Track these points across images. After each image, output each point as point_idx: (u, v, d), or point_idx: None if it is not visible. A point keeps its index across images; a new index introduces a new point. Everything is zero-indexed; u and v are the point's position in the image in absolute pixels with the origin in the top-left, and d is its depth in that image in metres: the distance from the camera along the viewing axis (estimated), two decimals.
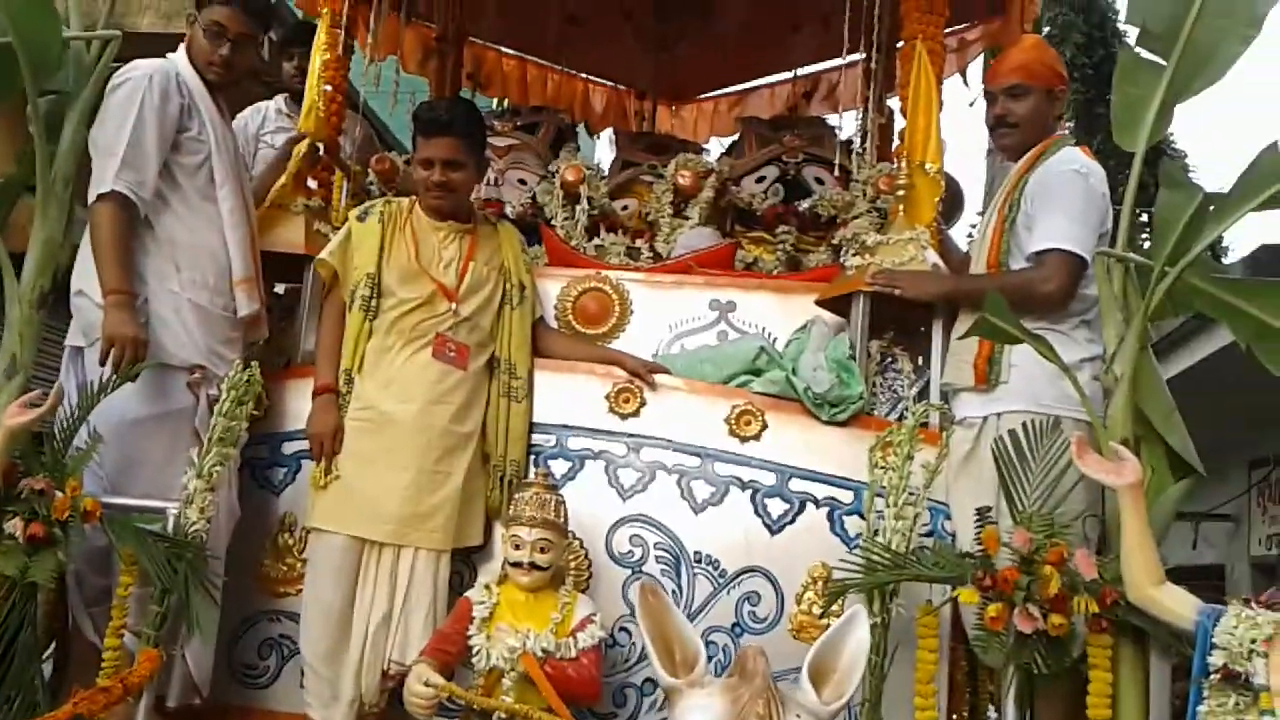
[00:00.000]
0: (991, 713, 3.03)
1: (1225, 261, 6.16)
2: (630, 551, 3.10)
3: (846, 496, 3.06)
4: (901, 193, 3.40)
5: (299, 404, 3.23)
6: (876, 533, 2.72)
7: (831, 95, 5.61)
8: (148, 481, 2.91)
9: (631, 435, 3.18)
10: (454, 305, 3.17)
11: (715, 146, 5.67)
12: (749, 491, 3.09)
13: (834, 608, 2.76)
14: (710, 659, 2.70)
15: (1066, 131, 3.25)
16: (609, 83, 6.17)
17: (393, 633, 2.96)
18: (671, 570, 3.07)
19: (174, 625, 2.77)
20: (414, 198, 3.34)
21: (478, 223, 3.35)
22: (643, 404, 3.20)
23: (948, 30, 3.89)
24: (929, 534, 2.92)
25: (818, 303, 3.37)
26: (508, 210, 3.97)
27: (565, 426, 3.21)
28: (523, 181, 4.24)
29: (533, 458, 3.19)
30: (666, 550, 3.09)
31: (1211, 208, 2.79)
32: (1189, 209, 2.81)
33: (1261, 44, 2.93)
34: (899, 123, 3.80)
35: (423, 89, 5.00)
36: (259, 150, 4.25)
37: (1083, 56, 10.19)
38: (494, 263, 3.29)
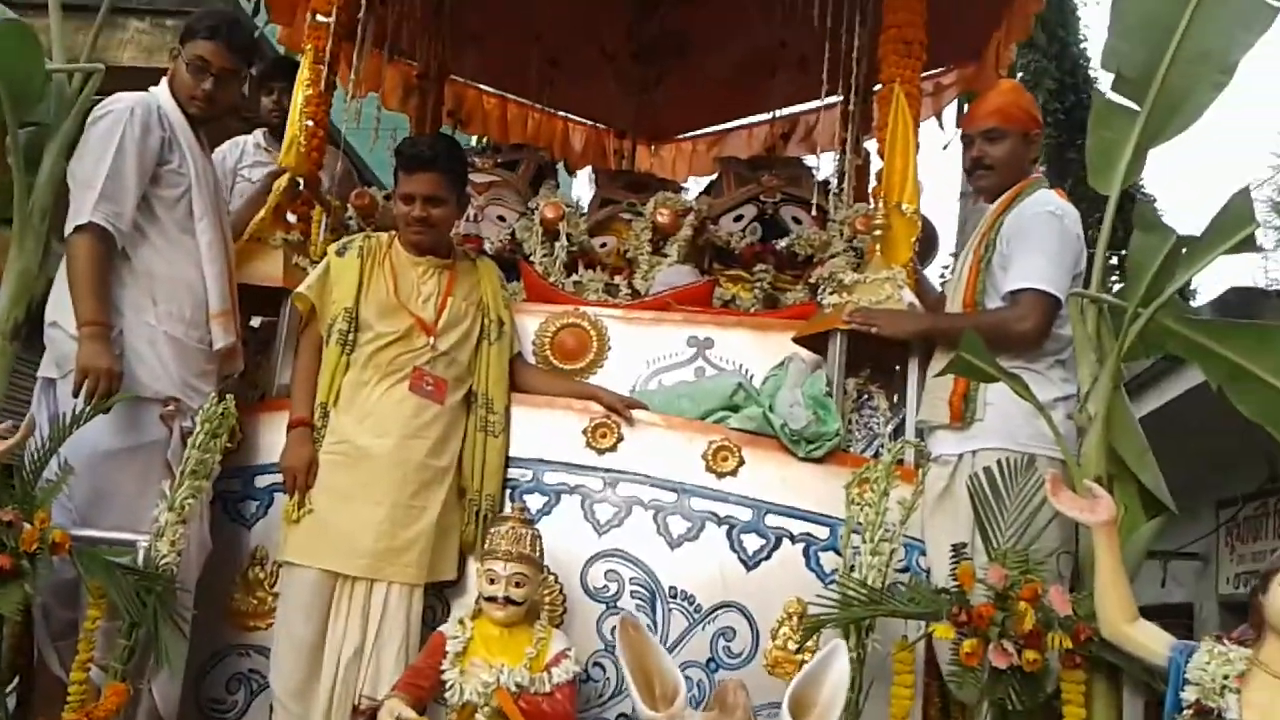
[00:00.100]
0: None
1: (1194, 304, 6.22)
2: (605, 586, 3.08)
3: (822, 532, 3.06)
4: (879, 232, 3.44)
5: (273, 437, 3.21)
6: (853, 568, 2.72)
7: (809, 137, 5.70)
8: (118, 514, 2.88)
9: (608, 470, 3.17)
10: (432, 340, 3.17)
11: (693, 186, 5.72)
12: (725, 527, 3.09)
13: (809, 643, 2.75)
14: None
15: (1041, 174, 3.29)
16: (589, 122, 6.23)
17: (364, 667, 2.93)
18: (647, 605, 3.05)
19: (141, 659, 2.74)
20: (393, 233, 3.35)
21: (457, 258, 3.36)
22: (620, 439, 3.20)
23: (924, 75, 3.94)
24: (904, 570, 2.92)
25: (795, 340, 3.40)
26: (487, 246, 3.99)
27: (542, 461, 3.21)
28: (502, 218, 4.26)
29: (509, 492, 3.18)
30: (642, 585, 3.07)
31: (1184, 250, 2.83)
32: (1162, 251, 2.84)
33: (1230, 90, 3.00)
34: (875, 164, 3.85)
35: (403, 126, 5.03)
36: (236, 184, 4.25)
37: (1055, 102, 10.37)
38: (473, 298, 3.30)
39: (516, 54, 5.33)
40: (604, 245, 4.11)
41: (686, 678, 2.90)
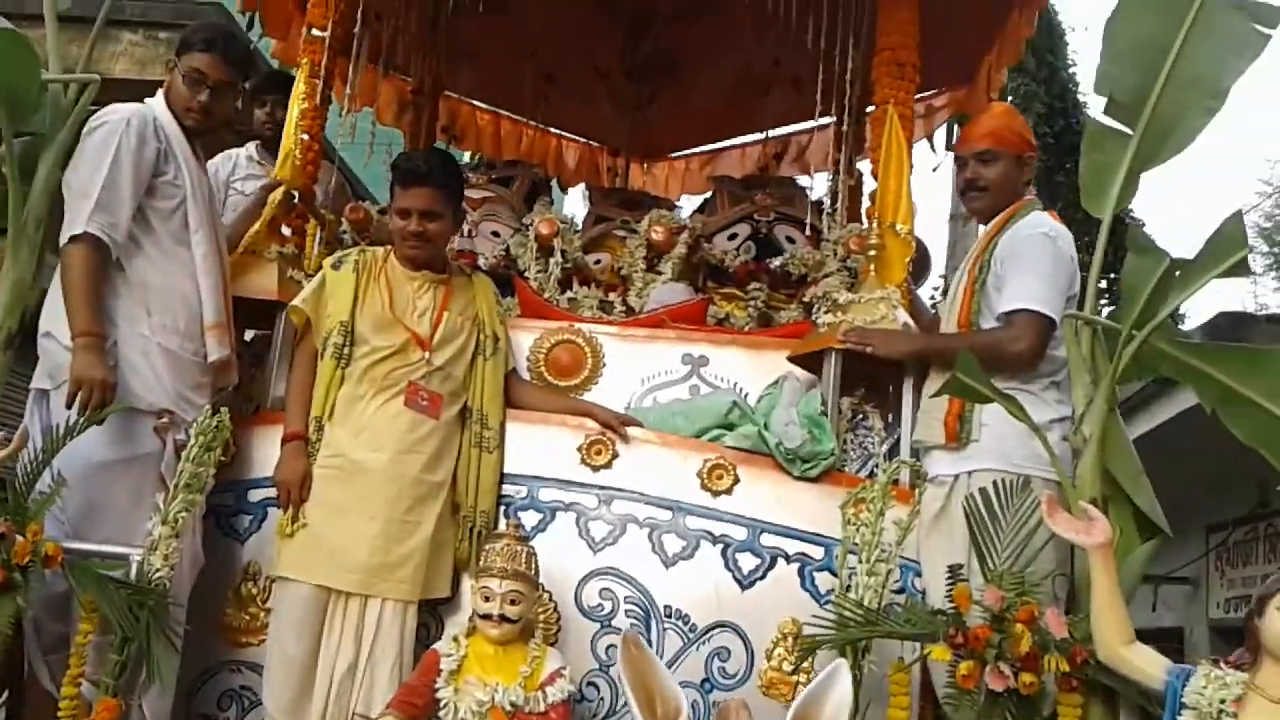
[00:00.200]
0: None
1: (1183, 327, 6.27)
2: (600, 605, 3.07)
3: (817, 552, 3.06)
4: (873, 252, 3.45)
5: (267, 451, 3.20)
6: (849, 589, 2.72)
7: (801, 156, 5.73)
8: (111, 527, 2.86)
9: (603, 488, 3.17)
10: (427, 354, 3.17)
11: (686, 204, 5.74)
12: (720, 546, 3.08)
13: (805, 664, 2.74)
14: None
15: (1035, 196, 3.31)
16: (582, 139, 6.25)
17: (358, 684, 2.91)
18: (641, 624, 3.04)
19: (133, 674, 2.70)
20: (389, 247, 3.34)
21: (453, 273, 3.36)
22: (615, 456, 3.19)
23: (916, 97, 3.96)
24: (899, 591, 2.92)
25: (790, 359, 3.40)
26: (481, 262, 3.99)
27: (536, 478, 3.20)
28: (496, 234, 4.27)
29: (503, 509, 3.17)
30: (636, 604, 3.06)
31: (1177, 273, 2.84)
32: (1155, 273, 2.86)
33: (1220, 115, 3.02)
34: (868, 184, 3.87)
35: (397, 141, 5.03)
36: (229, 197, 4.25)
37: (1044, 126, 10.46)
38: (468, 313, 3.30)
39: (511, 71, 5.35)
40: (598, 262, 4.11)
41: None
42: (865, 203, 3.97)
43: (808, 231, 4.17)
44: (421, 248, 3.23)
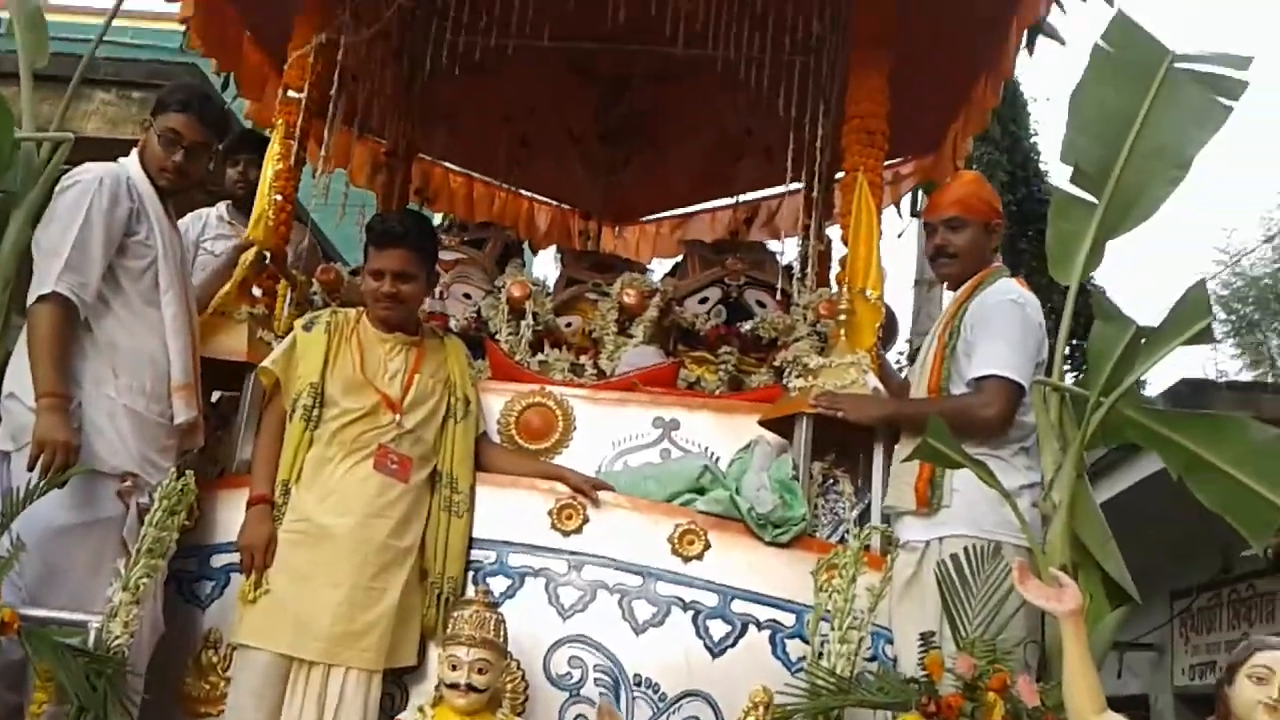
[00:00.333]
0: None
1: (1146, 394, 6.33)
2: (569, 673, 3.03)
3: (788, 619, 3.03)
4: (843, 317, 3.48)
5: (231, 515, 3.15)
6: (820, 656, 2.70)
7: (771, 221, 5.79)
8: (70, 593, 2.80)
9: (573, 553, 3.14)
10: (398, 417, 3.14)
11: (657, 267, 5.77)
12: (691, 612, 3.06)
13: None
14: None
15: (1003, 264, 3.35)
16: (554, 202, 6.29)
17: None
18: (611, 693, 2.99)
19: None
20: (361, 308, 3.33)
21: (425, 335, 3.35)
22: (585, 521, 3.17)
23: (884, 164, 4.03)
24: (872, 658, 2.90)
25: (761, 423, 3.40)
26: (452, 324, 3.99)
27: (506, 543, 3.17)
28: (468, 295, 4.27)
29: (472, 574, 3.13)
30: (606, 672, 3.02)
31: (1143, 341, 2.88)
32: (1121, 341, 2.90)
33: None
34: (838, 250, 3.92)
35: (370, 202, 5.04)
36: (198, 256, 4.23)
37: (1007, 194, 10.62)
38: (440, 375, 3.28)
39: (485, 134, 5.39)
40: (569, 325, 4.12)
41: None
42: (835, 268, 4.01)
43: (778, 296, 4.20)
44: (394, 309, 3.23)
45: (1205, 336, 2.87)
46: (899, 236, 6.34)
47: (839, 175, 4.11)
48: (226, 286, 3.57)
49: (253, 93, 4.88)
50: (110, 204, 3.05)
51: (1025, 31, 4.01)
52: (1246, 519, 2.73)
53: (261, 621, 2.95)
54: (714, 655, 3.03)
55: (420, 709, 2.76)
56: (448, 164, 5.93)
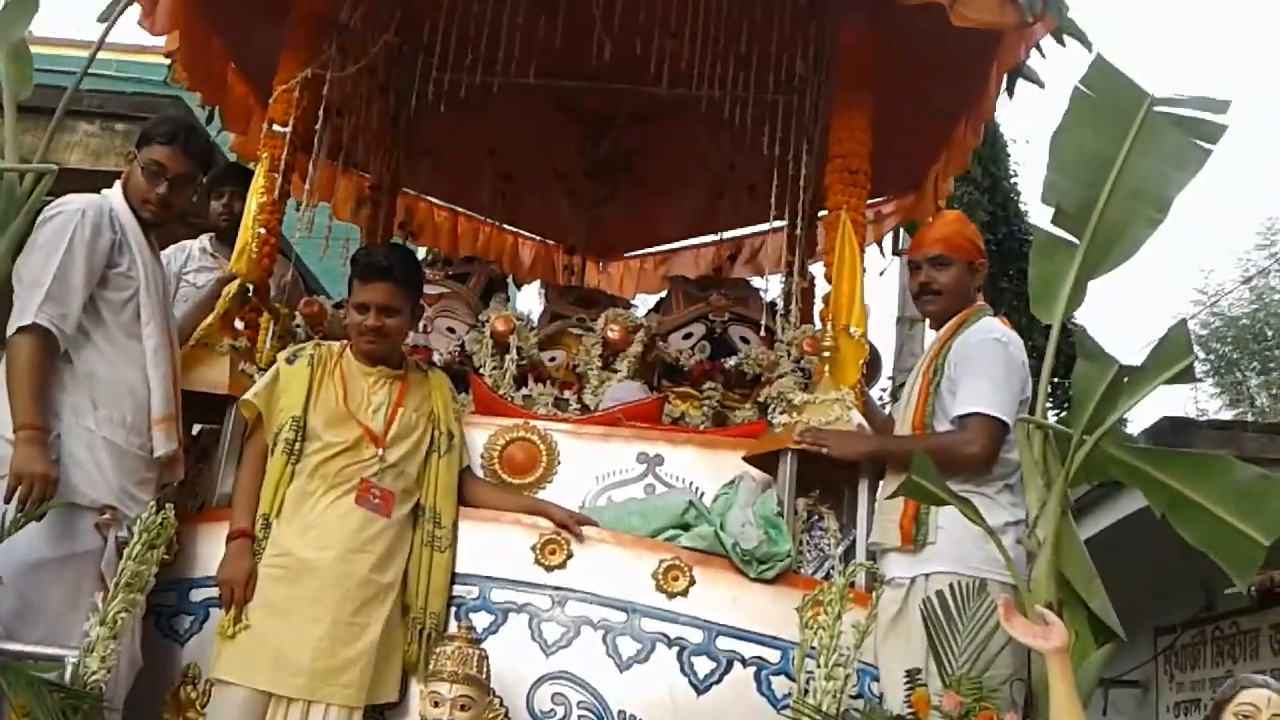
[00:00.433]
0: None
1: (1127, 432, 6.37)
2: (552, 710, 2.99)
3: (774, 656, 3.02)
4: (827, 354, 3.49)
5: (210, 549, 3.11)
6: (806, 693, 2.68)
7: (755, 259, 5.82)
8: (47, 627, 2.76)
9: (557, 588, 3.12)
10: (380, 451, 3.12)
11: (641, 303, 5.78)
12: (676, 649, 3.03)
13: None
14: None
15: (985, 303, 3.37)
16: (539, 237, 6.30)
17: None
18: None
19: None
20: (345, 342, 3.32)
21: (408, 369, 3.34)
22: (569, 556, 3.15)
23: (867, 203, 4.06)
24: (857, 696, 2.88)
25: (745, 459, 3.40)
26: (436, 358, 3.98)
27: (489, 578, 3.14)
28: (451, 330, 4.26)
29: (454, 609, 3.10)
30: (590, 709, 2.99)
31: (1125, 379, 2.90)
32: (1104, 379, 2.92)
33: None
34: (821, 287, 3.94)
35: (354, 236, 5.04)
36: (180, 289, 4.21)
37: (987, 233, 10.70)
38: (423, 409, 3.27)
39: (470, 169, 5.40)
40: (553, 359, 4.12)
41: None
42: (818, 305, 4.03)
43: (762, 332, 4.22)
44: (378, 343, 3.22)
45: (1187, 375, 2.89)
46: (881, 275, 6.38)
47: (822, 213, 4.15)
48: (209, 319, 3.56)
49: (238, 126, 4.88)
50: (92, 235, 3.04)
51: (1005, 75, 4.06)
52: (1230, 556, 2.74)
53: (240, 657, 2.91)
54: (699, 692, 3.00)
55: None
56: (432, 199, 5.94)
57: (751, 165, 4.47)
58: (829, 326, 3.58)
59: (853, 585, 2.87)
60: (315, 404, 3.15)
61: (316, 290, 5.53)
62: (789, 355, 3.89)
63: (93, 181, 3.32)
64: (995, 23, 3.58)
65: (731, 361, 4.09)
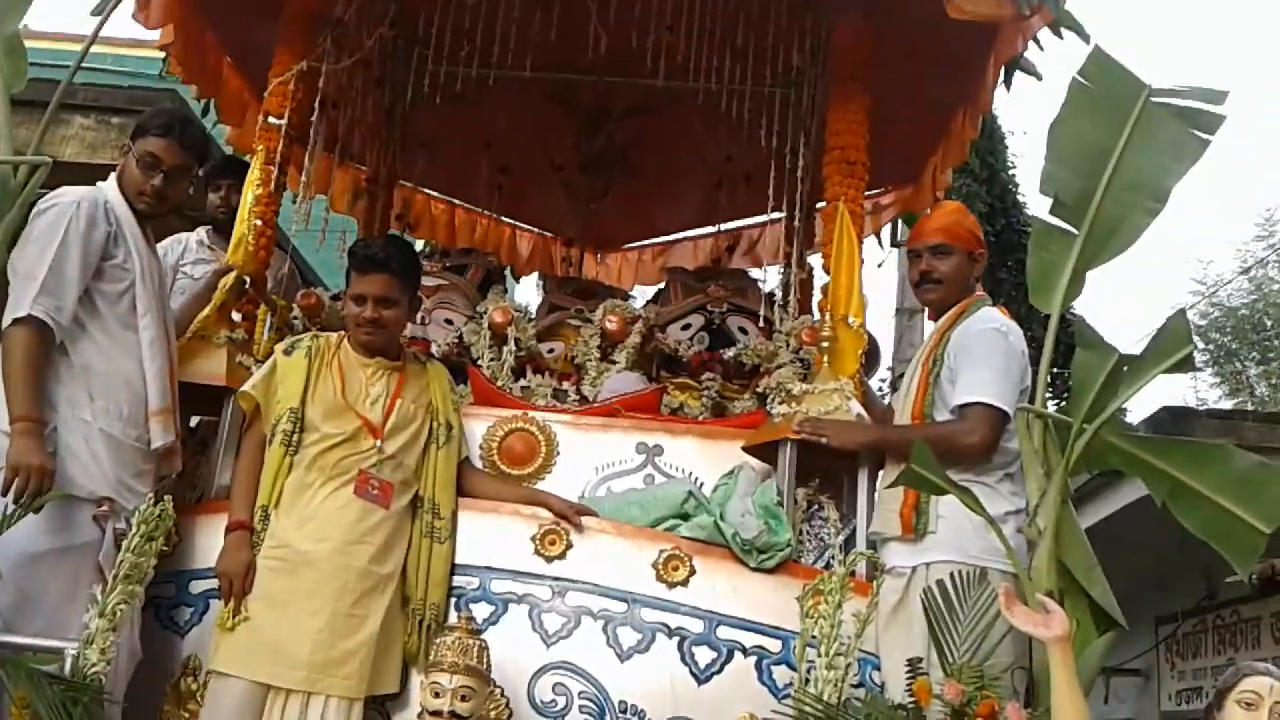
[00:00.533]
0: None
1: (1127, 422, 6.37)
2: (553, 700, 2.99)
3: (774, 645, 3.01)
4: (826, 344, 3.48)
5: (210, 540, 3.11)
6: (807, 683, 2.68)
7: (753, 250, 5.81)
8: (45, 619, 2.75)
9: (557, 579, 3.11)
10: (379, 442, 3.12)
11: (639, 295, 5.78)
12: (676, 639, 3.03)
13: None
14: None
15: (984, 293, 3.37)
16: (536, 229, 6.29)
17: None
18: None
19: None
20: (342, 333, 3.31)
21: (406, 360, 3.33)
22: (569, 547, 3.14)
23: (865, 194, 4.05)
24: (858, 685, 2.88)
25: (745, 449, 3.40)
26: (434, 349, 3.97)
27: (489, 568, 3.14)
28: (449, 321, 4.26)
29: (454, 600, 3.10)
30: (591, 700, 2.99)
31: (1125, 368, 2.90)
32: (1103, 368, 2.92)
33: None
34: (820, 278, 3.93)
35: (351, 228, 5.03)
36: (177, 281, 4.19)
37: (986, 225, 10.73)
38: (421, 401, 3.26)
39: (466, 162, 5.39)
40: (552, 351, 4.11)
41: None
42: (817, 295, 4.02)
43: (760, 323, 4.21)
44: (376, 334, 3.21)
45: (1186, 364, 2.89)
46: (879, 266, 6.38)
47: (820, 204, 4.13)
48: (206, 311, 3.54)
49: (233, 119, 4.86)
50: (87, 227, 3.03)
51: (1003, 67, 4.05)
52: (1230, 545, 2.75)
53: (239, 649, 2.91)
54: (700, 682, 3.00)
55: None
56: (430, 191, 5.93)
57: (749, 157, 4.47)
58: (827, 317, 3.58)
59: (853, 574, 2.86)
60: (313, 395, 3.14)
61: (313, 282, 5.52)
62: (788, 346, 3.88)
63: (88, 175, 3.31)
64: (992, 15, 3.57)
65: (730, 352, 4.09)
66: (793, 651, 2.87)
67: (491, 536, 3.18)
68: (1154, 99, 3.14)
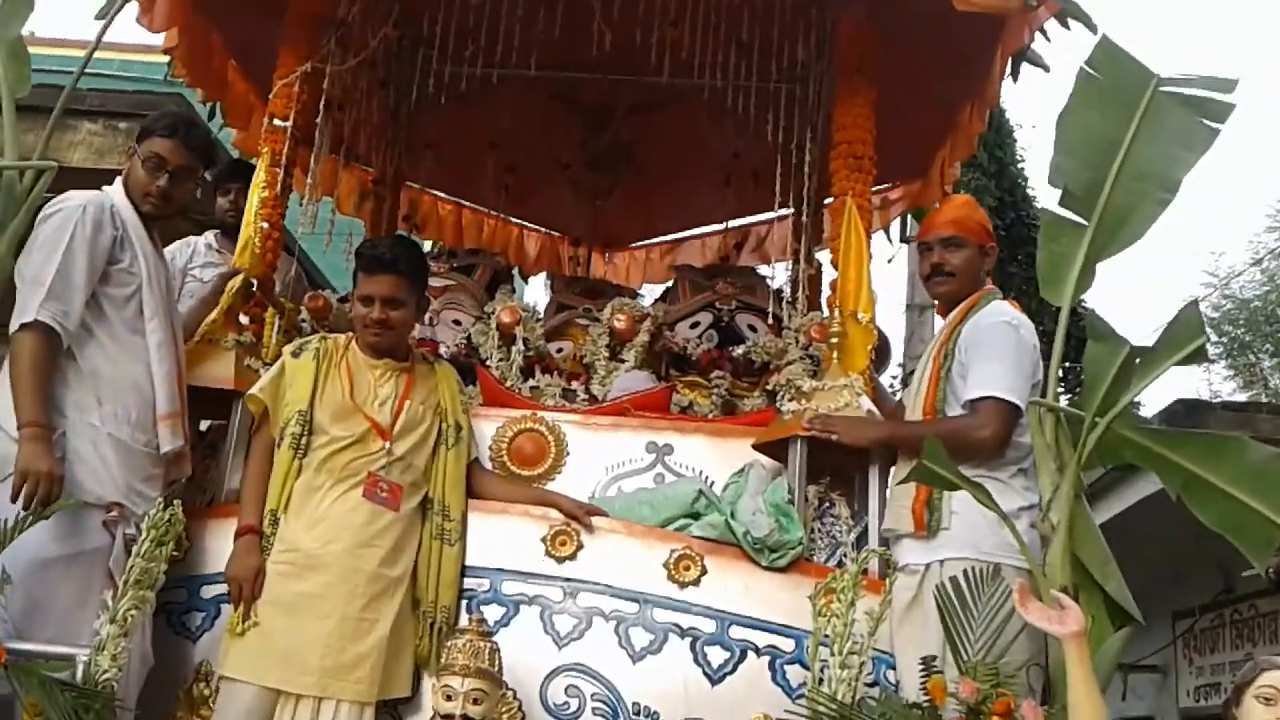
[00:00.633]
0: None
1: (1141, 415, 6.34)
2: (566, 703, 2.98)
3: (787, 645, 3.00)
4: (835, 340, 3.47)
5: (221, 545, 3.10)
6: (821, 682, 2.66)
7: (761, 247, 5.79)
8: (56, 625, 2.74)
9: (568, 580, 3.10)
10: (388, 444, 3.11)
11: (648, 293, 5.76)
12: (689, 639, 3.02)
13: None
14: None
15: (994, 287, 3.35)
16: (544, 229, 6.28)
17: None
18: None
19: None
20: (351, 334, 3.30)
21: (415, 361, 3.32)
22: (580, 547, 3.13)
23: (873, 189, 4.03)
24: (873, 684, 2.87)
25: (755, 446, 3.38)
26: (442, 350, 3.96)
27: (500, 570, 3.13)
28: (458, 322, 4.25)
29: (466, 602, 3.09)
30: (604, 701, 2.97)
31: (1137, 361, 2.88)
32: (1115, 361, 2.89)
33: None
34: (828, 274, 3.91)
35: (358, 230, 5.02)
36: (186, 284, 4.20)
37: (995, 219, 10.67)
38: (430, 402, 3.25)
39: (472, 162, 5.38)
40: (560, 350, 4.10)
41: None
42: (825, 292, 4.00)
43: (769, 320, 4.19)
44: (384, 335, 3.19)
45: (1199, 356, 2.86)
46: (890, 262, 6.35)
47: (828, 200, 4.11)
48: (213, 314, 3.54)
49: (239, 122, 4.86)
50: (93, 231, 3.02)
51: (1010, 59, 4.02)
52: (1247, 538, 2.72)
53: (249, 655, 2.90)
54: (713, 682, 2.99)
55: None
56: (436, 192, 5.92)
57: (755, 153, 4.45)
58: (836, 313, 3.56)
59: (865, 572, 2.85)
60: (321, 398, 3.13)
61: (321, 285, 5.52)
62: (797, 342, 3.86)
63: (96, 180, 3.29)
64: (998, 7, 3.55)
65: (739, 350, 4.08)
66: (806, 651, 2.85)
67: (502, 538, 3.17)
68: (1162, 88, 3.11)
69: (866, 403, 3.34)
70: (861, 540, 3.20)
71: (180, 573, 3.05)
